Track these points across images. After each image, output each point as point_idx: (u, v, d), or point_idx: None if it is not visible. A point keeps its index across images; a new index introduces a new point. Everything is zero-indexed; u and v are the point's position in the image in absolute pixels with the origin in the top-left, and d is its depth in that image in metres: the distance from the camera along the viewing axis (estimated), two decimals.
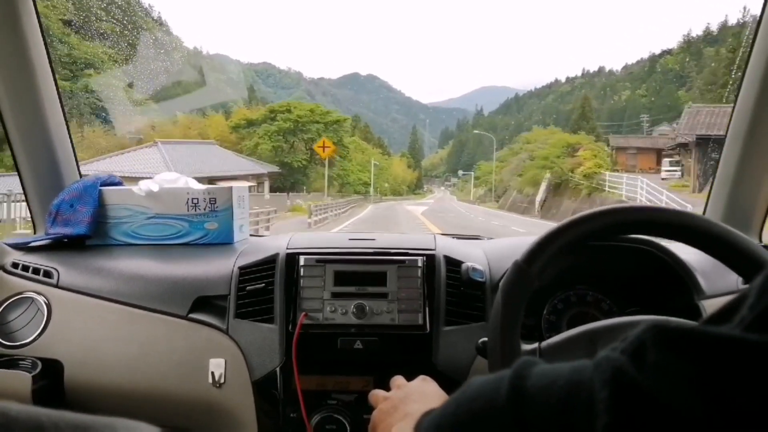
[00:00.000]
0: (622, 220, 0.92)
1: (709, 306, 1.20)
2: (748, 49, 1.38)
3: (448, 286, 1.29)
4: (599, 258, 1.32)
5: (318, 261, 1.31)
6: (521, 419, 0.42)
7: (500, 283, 0.93)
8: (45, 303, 1.33)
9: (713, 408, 0.33)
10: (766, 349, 0.34)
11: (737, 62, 1.42)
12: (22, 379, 1.21)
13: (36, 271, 1.38)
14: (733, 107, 1.43)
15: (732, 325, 0.37)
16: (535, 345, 0.97)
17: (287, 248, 1.35)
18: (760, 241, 1.48)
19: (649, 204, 0.94)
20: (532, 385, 0.44)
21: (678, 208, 0.93)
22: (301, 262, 1.31)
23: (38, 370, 1.24)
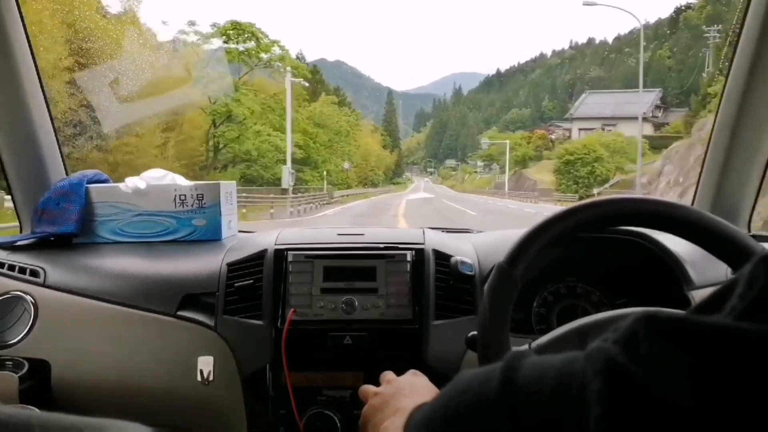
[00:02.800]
0: (606, 213, 0.92)
1: (699, 296, 1.20)
2: (735, 38, 1.38)
3: (438, 280, 1.29)
4: (589, 250, 1.32)
5: (307, 257, 1.30)
6: (513, 410, 0.42)
7: (485, 287, 0.92)
8: (32, 302, 1.32)
9: (706, 396, 0.33)
10: (757, 337, 0.34)
11: None
12: (8, 380, 1.19)
13: (22, 270, 1.37)
14: (721, 96, 1.43)
15: (723, 314, 0.37)
16: (525, 346, 0.96)
17: (275, 244, 1.34)
18: (749, 230, 1.49)
19: (633, 195, 0.94)
20: (524, 376, 0.43)
21: (665, 199, 0.92)
22: (290, 258, 1.30)
23: (25, 370, 1.23)
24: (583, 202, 0.92)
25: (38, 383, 1.25)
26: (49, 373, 1.26)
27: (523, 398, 0.42)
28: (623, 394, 0.35)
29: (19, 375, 1.20)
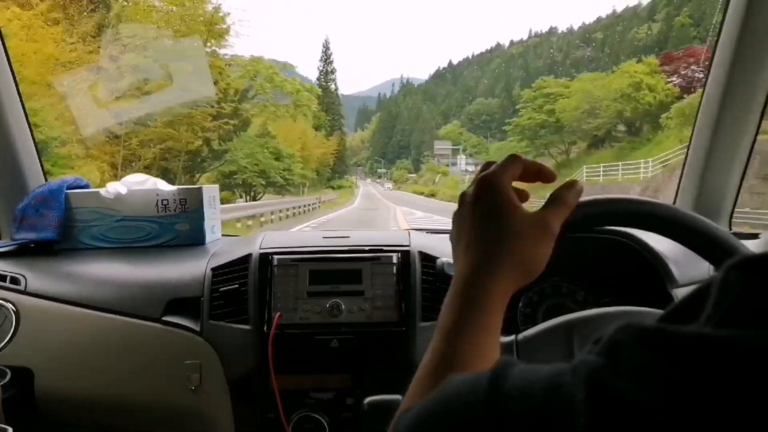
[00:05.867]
0: (593, 212, 0.92)
1: (682, 294, 1.21)
2: (716, 37, 1.40)
3: (424, 281, 1.29)
4: (574, 249, 1.33)
5: (292, 260, 1.29)
6: (500, 419, 0.42)
7: None
8: (13, 310, 1.30)
9: (686, 406, 0.33)
10: (737, 345, 0.34)
11: None
12: None
13: (2, 277, 1.34)
14: (702, 95, 1.44)
15: (700, 323, 0.37)
16: (512, 338, 0.97)
17: (260, 248, 1.34)
18: (730, 228, 1.51)
19: (617, 195, 0.95)
20: (512, 386, 0.43)
21: (647, 198, 0.93)
22: (275, 262, 1.29)
23: (7, 378, 1.21)
24: None
25: (21, 392, 1.23)
26: (32, 381, 1.25)
27: (511, 407, 0.42)
28: (607, 405, 0.36)
29: (1, 384, 1.19)
